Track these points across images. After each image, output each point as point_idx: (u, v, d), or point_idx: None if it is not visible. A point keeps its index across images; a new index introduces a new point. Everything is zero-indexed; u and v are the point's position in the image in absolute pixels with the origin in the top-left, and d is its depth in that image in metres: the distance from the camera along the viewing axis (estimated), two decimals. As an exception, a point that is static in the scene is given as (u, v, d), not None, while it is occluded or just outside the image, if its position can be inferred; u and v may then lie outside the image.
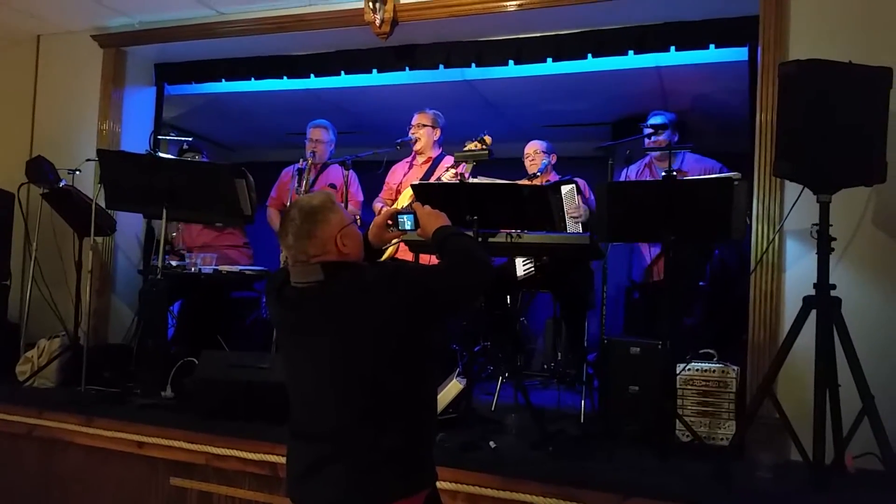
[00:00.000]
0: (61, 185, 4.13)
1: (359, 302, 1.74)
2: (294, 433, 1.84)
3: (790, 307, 3.18)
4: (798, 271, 3.20)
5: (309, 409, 1.82)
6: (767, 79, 3.34)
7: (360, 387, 1.74)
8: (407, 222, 2.04)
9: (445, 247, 1.93)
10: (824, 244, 2.65)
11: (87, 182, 4.42)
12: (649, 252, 4.15)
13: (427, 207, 2.04)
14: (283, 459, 2.84)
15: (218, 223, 4.53)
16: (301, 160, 4.42)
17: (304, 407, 1.83)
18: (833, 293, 2.65)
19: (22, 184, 4.22)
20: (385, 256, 4.20)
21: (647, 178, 4.17)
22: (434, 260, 3.87)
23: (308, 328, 1.79)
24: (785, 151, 2.66)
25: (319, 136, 4.53)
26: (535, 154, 4.31)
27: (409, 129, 4.33)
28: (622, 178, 4.13)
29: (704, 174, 3.93)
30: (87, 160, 4.20)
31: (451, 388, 3.14)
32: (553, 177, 4.35)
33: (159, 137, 4.70)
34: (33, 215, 4.30)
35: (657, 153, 4.10)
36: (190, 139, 4.84)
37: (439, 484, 2.60)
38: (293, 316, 1.84)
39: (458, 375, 3.19)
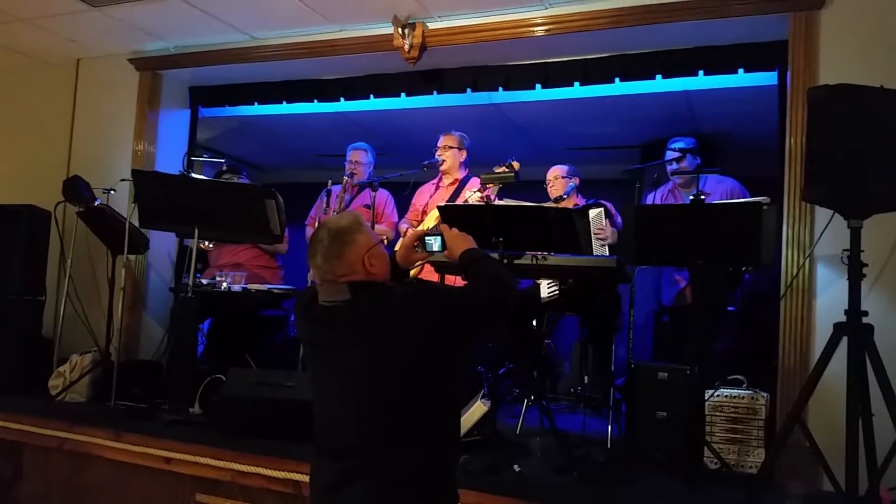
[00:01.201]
0: (96, 203, 4.23)
1: (385, 321, 1.76)
2: (318, 449, 1.85)
3: (821, 333, 3.13)
4: (829, 297, 3.15)
5: (333, 426, 1.82)
6: (797, 103, 3.32)
7: (384, 406, 1.75)
8: (434, 244, 2.07)
9: (472, 269, 1.96)
10: (856, 270, 2.61)
11: (122, 201, 4.52)
12: (682, 276, 4.12)
13: (454, 230, 2.07)
14: (307, 478, 2.87)
15: (247, 242, 4.58)
16: (330, 182, 4.47)
17: (329, 424, 1.84)
18: (865, 320, 2.60)
19: (58, 202, 4.32)
20: (410, 277, 4.22)
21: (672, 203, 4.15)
22: (460, 281, 3.88)
23: (334, 346, 1.81)
24: (814, 176, 2.63)
25: (359, 158, 4.59)
26: (555, 180, 4.31)
27: (436, 150, 4.37)
28: (647, 203, 4.12)
29: (726, 194, 3.91)
30: (122, 180, 4.31)
31: (476, 410, 3.13)
32: (579, 200, 4.35)
33: (193, 159, 4.80)
34: (69, 233, 4.40)
35: (679, 178, 4.09)
36: (222, 160, 4.92)
37: (463, 506, 2.60)
38: (320, 333, 1.85)
39: (482, 397, 3.18)
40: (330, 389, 1.84)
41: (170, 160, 4.96)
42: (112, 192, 4.35)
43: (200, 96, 5.28)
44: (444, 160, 4.34)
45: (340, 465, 1.76)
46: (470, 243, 2.04)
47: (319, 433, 1.86)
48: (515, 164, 3.65)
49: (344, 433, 1.79)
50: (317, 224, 4.29)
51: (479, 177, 3.91)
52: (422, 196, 4.45)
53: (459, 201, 4.14)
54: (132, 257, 4.59)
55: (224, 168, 4.69)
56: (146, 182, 3.87)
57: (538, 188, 4.37)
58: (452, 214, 3.39)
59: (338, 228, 1.87)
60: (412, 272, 4.21)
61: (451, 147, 4.34)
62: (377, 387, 1.75)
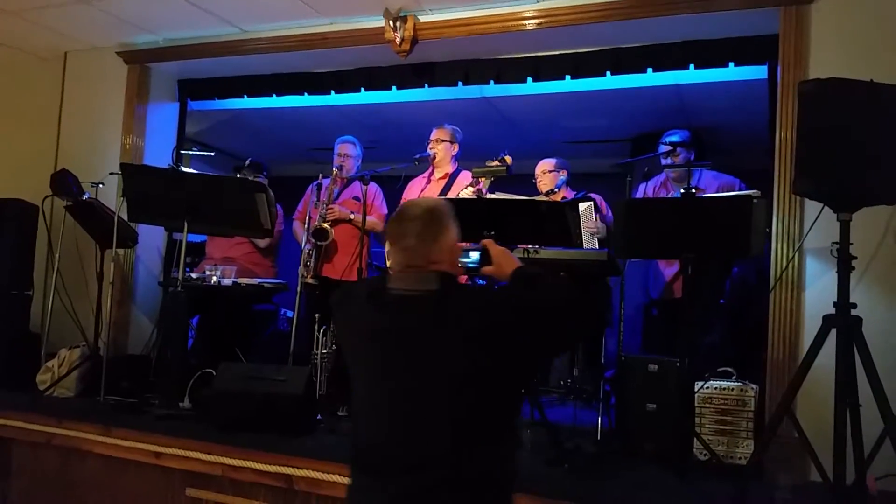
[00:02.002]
0: (85, 197, 4.20)
1: (476, 320, 1.61)
2: (370, 464, 1.64)
3: (810, 326, 3.15)
4: (818, 290, 3.17)
5: (400, 432, 1.61)
6: (787, 97, 3.34)
7: (472, 408, 1.59)
8: (472, 255, 1.97)
9: (540, 287, 1.79)
10: (845, 263, 2.62)
11: (110, 195, 4.50)
12: (668, 269, 4.13)
13: (499, 247, 1.94)
14: (298, 472, 2.88)
15: (237, 236, 4.57)
16: (321, 175, 4.46)
17: (393, 430, 1.63)
18: (854, 312, 2.61)
19: (46, 196, 4.29)
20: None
21: (662, 196, 4.16)
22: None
23: (414, 340, 1.63)
24: (804, 169, 2.64)
25: (347, 151, 4.58)
26: (542, 175, 4.31)
27: (428, 143, 4.36)
28: (638, 194, 4.12)
29: (722, 190, 3.91)
30: (111, 174, 4.29)
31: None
32: (569, 193, 4.35)
33: (182, 152, 4.77)
34: (57, 227, 4.37)
35: (671, 171, 4.09)
36: (211, 153, 4.92)
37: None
38: (394, 324, 1.66)
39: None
40: (391, 386, 1.64)
41: (159, 154, 4.93)
42: (100, 185, 4.32)
43: (190, 89, 5.24)
44: (435, 153, 4.33)
45: (413, 478, 1.56)
46: (516, 260, 1.92)
47: (372, 443, 1.65)
48: (508, 159, 3.65)
49: (419, 440, 1.59)
50: (307, 218, 4.32)
51: (470, 170, 3.91)
52: (412, 190, 4.44)
53: (451, 195, 4.13)
54: (121, 251, 4.57)
55: (246, 164, 4.70)
56: (135, 176, 3.84)
57: (529, 182, 4.37)
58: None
59: (434, 208, 1.72)
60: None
61: (443, 140, 4.34)
62: (456, 387, 1.58)
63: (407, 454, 1.59)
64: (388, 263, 4.53)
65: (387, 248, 1.79)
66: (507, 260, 1.91)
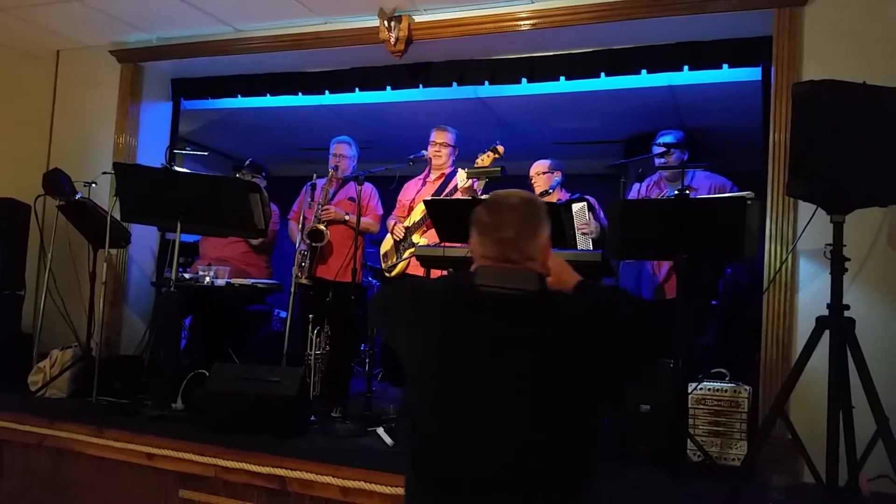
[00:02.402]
0: (77, 197, 4.18)
1: (577, 328, 1.47)
2: (443, 481, 1.47)
3: (803, 327, 3.16)
4: (811, 291, 3.18)
5: (482, 445, 1.44)
6: (781, 98, 3.35)
7: (551, 426, 1.45)
8: None
9: (634, 303, 1.69)
10: (838, 264, 2.63)
11: (103, 195, 4.48)
12: (660, 270, 4.14)
13: (558, 258, 1.74)
14: (291, 473, 2.87)
15: (231, 236, 4.56)
16: (315, 175, 4.46)
17: (473, 443, 1.45)
18: (847, 314, 2.62)
19: (38, 195, 4.27)
20: (397, 271, 4.22)
21: (655, 194, 4.16)
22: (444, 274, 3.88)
23: (504, 343, 1.46)
24: (798, 171, 2.66)
25: (342, 151, 4.57)
26: (537, 176, 4.32)
27: (430, 146, 4.32)
28: (632, 195, 4.13)
29: (714, 190, 3.92)
30: (104, 173, 4.26)
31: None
32: (563, 194, 4.35)
33: (175, 151, 4.75)
34: (49, 227, 4.35)
35: (666, 172, 4.10)
36: (205, 153, 4.91)
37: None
38: (484, 325, 1.48)
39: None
40: (484, 396, 1.46)
41: (152, 153, 4.90)
42: (93, 185, 4.30)
43: (183, 88, 5.22)
44: (440, 157, 4.31)
45: (498, 498, 1.42)
46: (574, 272, 1.73)
47: (447, 456, 1.47)
48: (500, 149, 3.65)
49: (504, 456, 1.42)
50: (301, 218, 4.31)
51: (464, 170, 3.91)
52: (408, 192, 4.44)
53: (446, 194, 4.13)
54: (113, 251, 4.54)
55: (246, 164, 4.68)
56: (128, 175, 3.83)
57: (523, 182, 4.37)
58: (439, 209, 3.39)
59: (533, 199, 1.58)
60: (398, 267, 4.21)
61: (448, 145, 4.32)
62: (554, 398, 1.44)
63: (489, 471, 1.43)
64: (384, 264, 4.51)
65: (472, 238, 1.61)
66: (566, 271, 1.71)
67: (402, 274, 4.20)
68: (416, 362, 1.59)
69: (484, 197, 3.51)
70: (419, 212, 4.08)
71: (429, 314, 1.58)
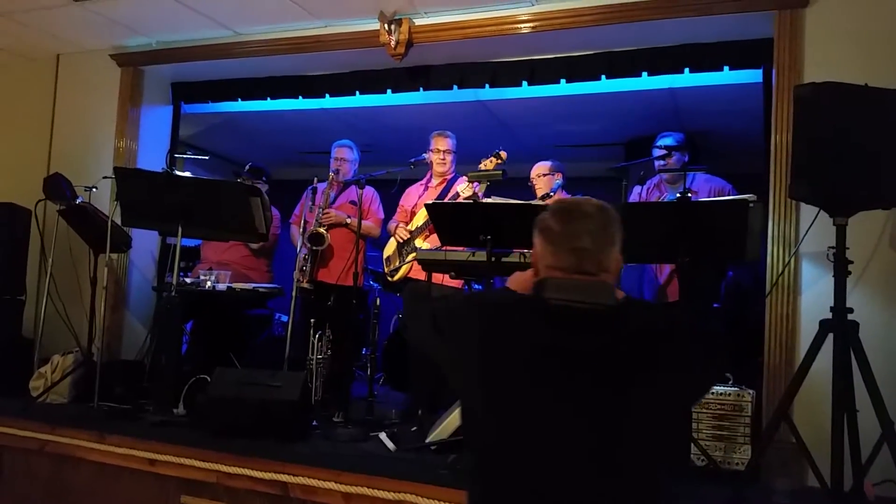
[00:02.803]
0: (78, 201, 4.18)
1: (659, 346, 1.38)
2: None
3: (806, 330, 3.15)
4: (814, 294, 3.17)
5: (556, 474, 1.33)
6: (782, 101, 3.34)
7: (644, 447, 1.35)
8: None
9: (686, 316, 1.61)
10: (841, 267, 2.62)
11: (104, 199, 4.47)
12: (662, 273, 4.13)
13: None
14: (293, 479, 2.86)
15: (232, 240, 4.55)
16: (316, 179, 4.45)
17: (542, 471, 1.33)
18: (850, 317, 2.62)
19: (39, 200, 4.26)
20: (399, 275, 4.21)
21: (656, 197, 4.16)
22: (447, 279, 3.87)
23: (584, 362, 1.34)
24: (801, 174, 2.65)
25: (344, 155, 4.56)
26: (538, 178, 4.30)
27: (433, 152, 4.27)
28: (633, 197, 4.12)
29: (714, 193, 3.91)
30: (104, 177, 4.26)
31: (464, 409, 3.12)
32: (564, 197, 4.34)
33: (175, 155, 4.75)
34: (49, 231, 4.34)
35: (666, 175, 4.10)
36: (205, 157, 4.90)
37: (452, 506, 2.59)
38: (563, 342, 1.36)
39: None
40: (564, 421, 1.34)
41: (152, 157, 4.90)
42: (94, 189, 4.30)
43: (183, 92, 5.22)
44: (445, 164, 4.28)
45: None
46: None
47: (528, 488, 1.33)
48: (503, 154, 3.64)
49: (595, 483, 1.32)
50: (303, 222, 4.30)
51: (465, 175, 3.89)
52: (409, 197, 4.42)
53: (449, 199, 4.11)
54: (114, 256, 4.53)
55: (246, 168, 4.68)
56: (128, 179, 3.82)
57: (525, 186, 4.37)
58: (440, 213, 3.38)
59: (608, 207, 1.47)
60: (401, 271, 4.19)
61: (452, 151, 4.30)
62: (636, 422, 1.34)
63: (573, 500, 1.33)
64: (386, 268, 4.50)
65: (539, 248, 1.50)
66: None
67: (405, 278, 4.19)
68: (479, 385, 1.42)
69: (489, 200, 3.50)
70: (422, 216, 4.07)
71: (496, 331, 1.43)
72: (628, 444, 1.33)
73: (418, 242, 4.11)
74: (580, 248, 1.41)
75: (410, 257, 4.11)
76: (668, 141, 4.06)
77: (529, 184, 4.36)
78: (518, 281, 1.73)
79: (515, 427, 1.36)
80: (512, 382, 1.38)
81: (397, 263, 4.24)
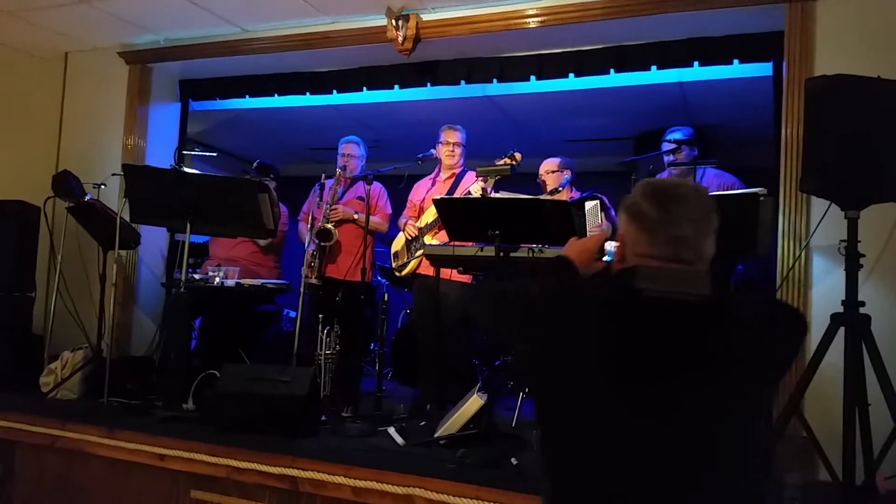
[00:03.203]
0: (87, 199, 4.19)
1: (756, 339, 1.32)
2: None
3: (817, 324, 3.11)
4: (825, 288, 3.15)
5: (648, 477, 1.25)
6: (793, 94, 3.32)
7: (742, 443, 1.29)
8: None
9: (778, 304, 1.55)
10: (853, 261, 2.60)
11: (112, 196, 4.48)
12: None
13: None
14: (303, 473, 2.86)
15: (240, 237, 4.56)
16: (323, 175, 4.45)
17: (633, 473, 1.26)
18: (862, 310, 2.60)
19: (48, 198, 4.28)
20: (407, 270, 4.20)
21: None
22: (455, 274, 3.86)
23: (688, 356, 1.27)
24: (812, 167, 2.63)
25: (351, 151, 4.56)
26: (546, 174, 4.28)
27: (442, 145, 4.26)
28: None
29: (722, 189, 3.89)
30: (113, 175, 4.27)
31: (472, 404, 3.12)
32: (574, 193, 4.33)
33: (184, 152, 4.76)
34: (59, 229, 4.35)
35: (674, 169, 4.08)
36: (213, 154, 4.91)
37: (461, 501, 2.59)
38: (652, 337, 1.29)
39: (478, 390, 3.17)
40: (658, 421, 1.25)
41: (160, 154, 4.91)
42: (102, 186, 4.31)
43: (191, 89, 5.23)
44: (454, 157, 4.28)
45: None
46: None
47: (616, 491, 1.26)
48: (517, 156, 3.62)
49: (695, 485, 1.25)
50: (310, 218, 4.30)
51: (474, 170, 3.88)
52: (418, 191, 4.41)
53: (458, 194, 4.11)
54: (123, 252, 4.55)
55: (254, 165, 4.68)
56: (137, 176, 3.83)
57: (533, 180, 4.35)
58: (448, 208, 3.37)
59: (704, 191, 1.40)
60: (409, 266, 4.19)
61: (461, 145, 4.29)
62: (736, 426, 1.28)
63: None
64: (394, 264, 4.48)
65: (629, 233, 1.40)
66: None
67: (413, 274, 4.19)
68: (561, 380, 1.33)
69: (495, 195, 3.48)
70: (431, 213, 4.06)
71: (581, 322, 1.33)
72: (726, 438, 1.26)
73: (427, 239, 4.10)
74: (681, 236, 1.32)
75: (419, 253, 4.10)
76: (677, 135, 4.04)
77: (539, 181, 4.34)
78: (577, 251, 1.68)
79: (607, 428, 1.27)
80: (599, 378, 1.29)
81: (405, 259, 4.24)
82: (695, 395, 1.26)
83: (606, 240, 1.71)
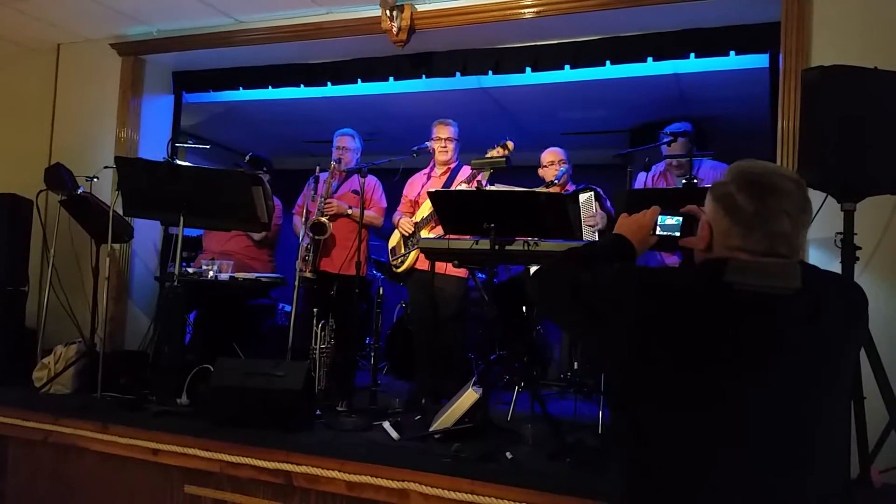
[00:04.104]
0: (79, 192, 4.15)
1: (846, 330, 1.31)
2: None
3: (813, 317, 3.12)
4: (821, 280, 3.14)
5: (754, 480, 1.21)
6: (789, 85, 3.30)
7: (827, 441, 1.27)
8: (670, 221, 1.67)
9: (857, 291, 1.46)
10: (849, 253, 2.59)
11: (105, 189, 4.45)
12: (669, 259, 4.10)
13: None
14: (297, 468, 2.85)
15: (234, 230, 4.54)
16: (318, 168, 4.42)
17: (736, 477, 1.22)
18: (858, 303, 2.58)
19: (40, 191, 4.24)
20: (404, 266, 4.19)
21: (662, 186, 4.12)
22: (450, 268, 3.85)
23: (782, 352, 1.24)
24: (808, 159, 2.62)
25: (346, 144, 4.53)
26: (551, 165, 4.27)
27: (434, 141, 4.23)
28: (638, 184, 4.09)
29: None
30: (105, 167, 4.24)
31: (467, 398, 3.11)
32: (570, 185, 4.31)
33: (177, 145, 4.73)
34: (51, 222, 4.33)
35: (674, 161, 4.07)
36: (207, 146, 4.88)
37: (456, 495, 2.58)
38: (750, 333, 1.25)
39: (473, 384, 3.16)
40: (761, 417, 1.23)
41: (154, 147, 4.89)
42: (95, 179, 4.28)
43: (184, 81, 5.20)
44: (447, 153, 4.25)
45: None
46: None
47: (719, 495, 1.23)
48: (510, 144, 3.61)
49: (797, 487, 1.22)
50: (305, 212, 4.28)
51: (469, 164, 3.86)
52: (413, 186, 4.39)
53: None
54: (116, 246, 4.52)
55: (246, 158, 4.65)
56: (130, 169, 3.80)
57: (528, 173, 4.33)
58: (443, 201, 3.35)
59: (803, 182, 1.33)
60: (408, 260, 4.17)
61: (454, 139, 4.27)
62: (826, 415, 1.26)
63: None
64: (392, 259, 4.47)
65: (721, 224, 1.35)
66: None
67: (411, 269, 4.17)
68: (650, 374, 1.29)
69: (490, 188, 3.46)
70: (427, 207, 4.03)
71: (676, 314, 1.28)
72: (820, 435, 1.24)
73: (424, 233, 4.08)
74: (778, 232, 1.28)
75: (416, 248, 4.08)
76: (674, 128, 4.03)
77: (543, 167, 4.30)
78: (632, 229, 1.63)
79: (700, 427, 1.24)
80: (685, 370, 1.26)
81: (402, 252, 4.22)
82: (786, 389, 1.23)
83: (679, 217, 1.65)
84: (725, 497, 1.22)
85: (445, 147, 4.22)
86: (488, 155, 3.80)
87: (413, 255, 4.13)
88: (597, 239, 3.82)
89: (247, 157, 4.69)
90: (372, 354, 4.29)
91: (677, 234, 1.65)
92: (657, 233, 1.66)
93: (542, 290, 1.58)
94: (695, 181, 3.15)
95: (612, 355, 1.38)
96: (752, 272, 1.26)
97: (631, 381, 1.32)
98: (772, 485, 1.21)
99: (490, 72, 4.36)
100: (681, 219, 1.64)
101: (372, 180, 4.48)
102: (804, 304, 1.26)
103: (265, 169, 4.67)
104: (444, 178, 4.24)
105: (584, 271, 1.47)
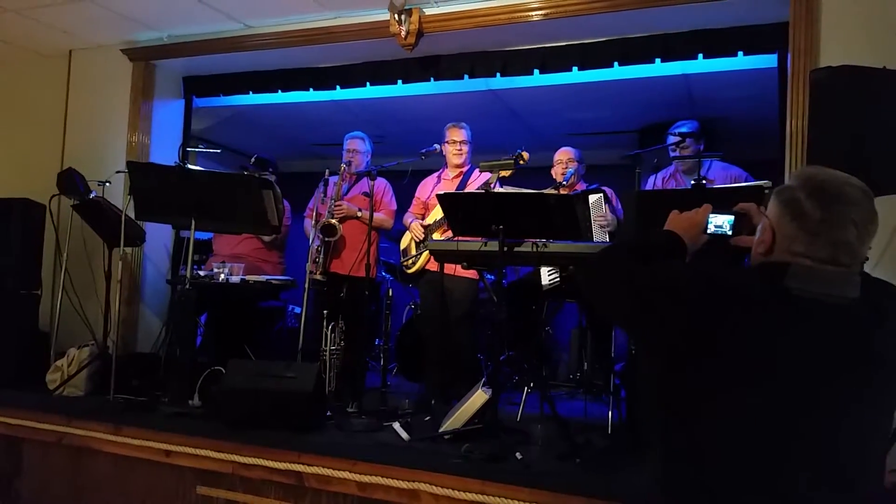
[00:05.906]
0: (91, 196, 4.20)
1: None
2: None
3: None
4: (831, 281, 3.13)
5: (782, 484, 1.23)
6: (798, 85, 3.29)
7: (873, 450, 1.29)
8: (722, 219, 1.65)
9: None
10: (859, 253, 2.58)
11: (117, 193, 4.48)
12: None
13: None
14: (308, 469, 2.87)
15: (245, 233, 4.56)
16: (328, 171, 4.45)
17: (785, 488, 1.23)
18: (868, 303, 2.58)
19: (53, 195, 4.29)
20: (416, 268, 4.20)
21: (672, 187, 4.12)
22: (459, 269, 3.86)
23: (844, 363, 1.25)
24: (817, 159, 2.61)
25: (356, 147, 4.56)
26: (568, 161, 4.27)
27: (448, 144, 4.24)
28: (647, 186, 4.09)
29: (730, 181, 3.88)
30: (117, 172, 4.27)
31: (477, 398, 3.12)
32: (581, 186, 4.32)
33: (188, 149, 4.77)
34: (64, 226, 4.37)
35: (682, 163, 4.06)
36: (217, 150, 4.91)
37: (466, 496, 2.59)
38: (812, 341, 1.25)
39: (483, 385, 3.17)
40: (823, 430, 1.24)
41: (165, 151, 4.93)
42: (107, 184, 4.32)
43: (195, 86, 5.23)
44: (461, 155, 4.26)
45: None
46: None
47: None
48: (525, 155, 3.60)
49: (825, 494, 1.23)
50: (315, 214, 4.30)
51: (479, 166, 3.88)
52: (425, 188, 4.40)
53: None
54: (128, 250, 4.56)
55: (252, 160, 4.68)
56: (141, 173, 3.83)
57: (537, 174, 4.34)
58: (452, 203, 3.36)
59: (870, 192, 1.32)
60: (419, 262, 4.18)
61: (468, 142, 4.28)
62: (876, 427, 1.28)
63: None
64: (403, 261, 4.48)
65: (785, 228, 1.34)
66: None
67: (422, 270, 4.19)
68: (699, 379, 1.30)
69: (500, 190, 3.47)
70: (439, 210, 4.05)
71: (735, 318, 1.28)
72: (869, 445, 1.26)
73: (436, 236, 4.09)
74: (843, 241, 1.27)
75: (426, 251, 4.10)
76: (682, 129, 4.04)
77: (558, 165, 4.30)
78: (684, 226, 1.62)
79: (758, 439, 1.25)
80: (741, 379, 1.26)
81: (414, 254, 4.24)
82: (843, 400, 1.24)
83: (732, 215, 1.63)
84: (774, 497, 1.23)
85: (460, 150, 4.23)
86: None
87: (424, 256, 4.15)
88: (607, 240, 3.83)
89: (252, 159, 4.71)
90: (381, 355, 4.31)
91: (729, 232, 1.63)
92: (709, 231, 1.64)
93: (596, 279, 1.55)
94: (704, 182, 3.15)
95: (661, 348, 1.38)
96: (813, 279, 1.27)
97: (681, 376, 1.32)
98: (822, 486, 1.23)
99: (498, 74, 4.37)
100: (732, 217, 1.62)
101: (381, 183, 4.49)
102: (861, 316, 1.26)
103: (270, 170, 4.69)
104: (457, 181, 4.25)
105: (638, 264, 1.47)
